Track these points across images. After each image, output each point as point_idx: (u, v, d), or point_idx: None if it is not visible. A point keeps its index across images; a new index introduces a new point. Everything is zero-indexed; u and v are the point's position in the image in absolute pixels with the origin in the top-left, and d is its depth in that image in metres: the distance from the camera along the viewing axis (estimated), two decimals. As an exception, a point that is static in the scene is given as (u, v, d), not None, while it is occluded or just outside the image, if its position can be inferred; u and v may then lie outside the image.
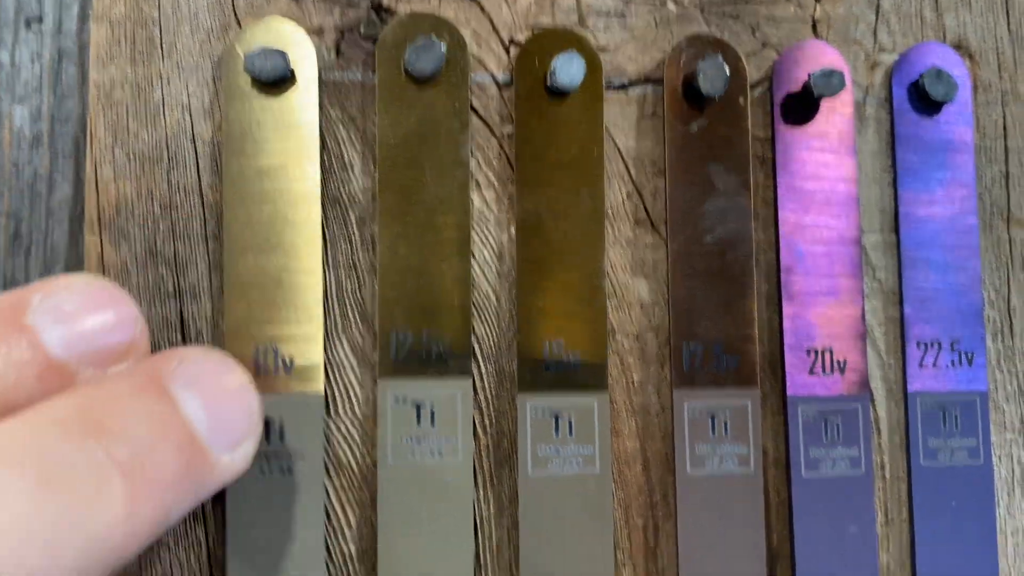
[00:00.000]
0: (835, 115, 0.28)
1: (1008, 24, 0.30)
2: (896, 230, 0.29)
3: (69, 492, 0.17)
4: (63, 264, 0.30)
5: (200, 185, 0.26)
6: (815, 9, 0.29)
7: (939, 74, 0.28)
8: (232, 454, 0.21)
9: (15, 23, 0.30)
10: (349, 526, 0.26)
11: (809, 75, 0.27)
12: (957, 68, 0.29)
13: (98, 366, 0.20)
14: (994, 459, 0.28)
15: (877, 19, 0.29)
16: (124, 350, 0.21)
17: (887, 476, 0.28)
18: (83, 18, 0.30)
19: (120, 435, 0.18)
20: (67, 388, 0.20)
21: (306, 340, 0.26)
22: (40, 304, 0.20)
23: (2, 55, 0.30)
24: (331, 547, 0.26)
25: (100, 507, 0.17)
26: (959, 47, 0.29)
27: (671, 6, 0.28)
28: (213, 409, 0.20)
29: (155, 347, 0.26)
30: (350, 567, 0.26)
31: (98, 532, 0.17)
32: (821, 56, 0.28)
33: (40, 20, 0.30)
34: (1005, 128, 0.30)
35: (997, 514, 0.28)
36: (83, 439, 0.18)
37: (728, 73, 0.27)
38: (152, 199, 0.26)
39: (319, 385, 0.26)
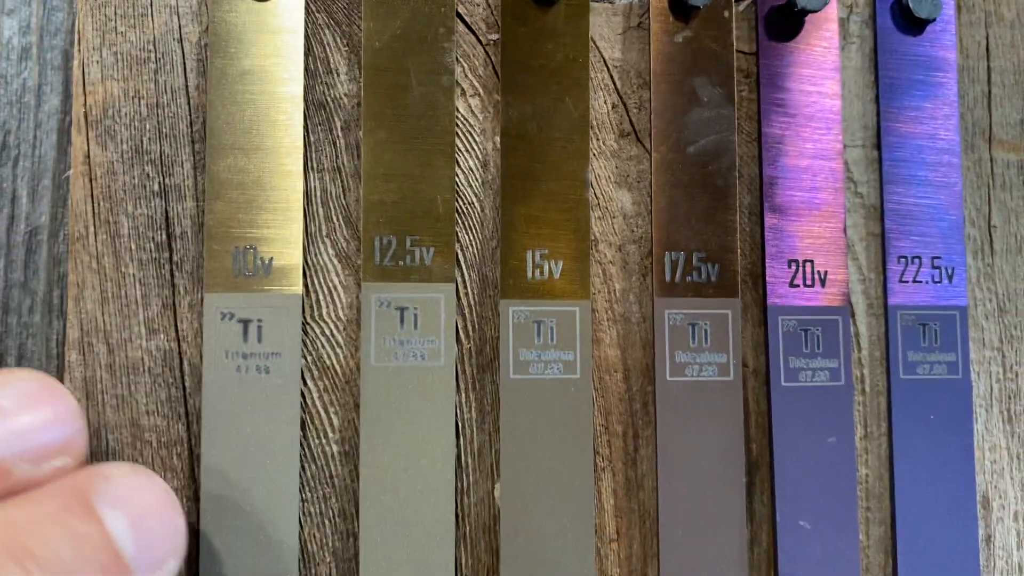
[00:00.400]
0: (819, 31, 0.28)
1: (993, -53, 0.30)
2: (878, 146, 0.29)
3: None
4: (51, 174, 0.30)
5: (187, 86, 0.26)
6: (801, -74, 0.29)
7: (923, -8, 0.28)
8: (155, 573, 0.21)
9: (5, -65, 0.31)
10: (332, 427, 0.26)
11: (793, -12, 0.27)
12: (942, -12, 0.29)
13: (34, 462, 0.20)
14: (973, 375, 0.29)
15: (863, -62, 0.29)
16: (60, 447, 0.21)
17: (867, 389, 0.28)
18: (73, -70, 0.30)
19: (45, 559, 0.18)
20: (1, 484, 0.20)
21: (285, 242, 0.26)
22: None
23: (-9, -33, 0.30)
24: (313, 447, 0.26)
25: None
26: (944, -32, 0.30)
27: (658, -80, 0.28)
28: (139, 528, 0.20)
29: (141, 245, 0.26)
30: (332, 467, 0.26)
31: None
32: (806, -29, 0.28)
33: (30, -68, 0.30)
34: (988, 49, 0.30)
35: (975, 430, 0.28)
36: (6, 564, 0.18)
37: (713, -16, 0.27)
38: (139, 99, 0.26)
39: (297, 286, 0.26)
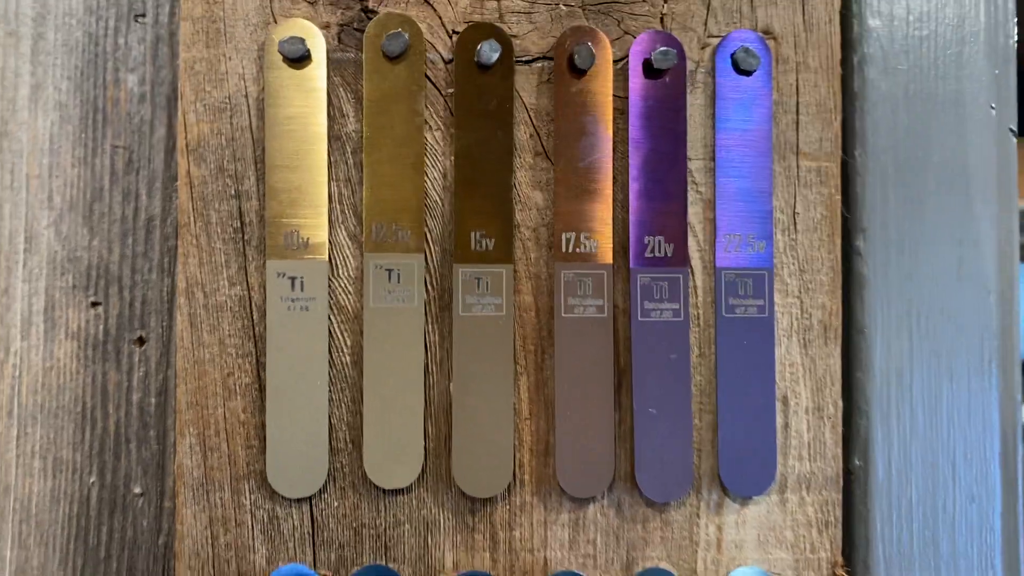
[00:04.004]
0: (672, 81, 0.41)
1: (803, 15, 0.42)
2: (714, 159, 0.42)
3: None
4: (160, 180, 0.45)
5: (251, 126, 0.41)
6: (663, 7, 0.42)
7: (747, 51, 0.41)
8: None
9: (128, 17, 0.45)
10: (346, 345, 0.41)
11: (651, 53, 0.40)
12: (763, 47, 0.42)
13: None
14: (777, 315, 0.42)
15: (708, 13, 0.42)
16: None
17: (701, 324, 0.42)
18: (172, 14, 0.45)
19: None
20: None
21: (316, 227, 0.41)
22: None
23: (119, 39, 0.45)
24: (335, 358, 0.41)
25: None
26: (767, 32, 0.42)
27: (563, 7, 0.41)
28: None
29: (224, 229, 0.41)
30: (346, 371, 0.41)
31: None
32: (662, 41, 0.41)
33: (144, 15, 0.45)
34: (797, 89, 0.42)
35: (776, 353, 0.42)
36: None
37: (595, 54, 0.40)
38: (221, 134, 0.41)
39: (324, 256, 0.41)
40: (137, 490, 0.44)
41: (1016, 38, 0.47)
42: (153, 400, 0.44)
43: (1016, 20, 0.47)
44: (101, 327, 0.44)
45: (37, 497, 0.44)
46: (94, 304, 0.44)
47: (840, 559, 0.42)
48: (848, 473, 0.44)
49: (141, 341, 0.44)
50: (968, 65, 0.46)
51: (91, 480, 0.44)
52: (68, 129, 0.45)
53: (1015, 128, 0.47)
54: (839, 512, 0.42)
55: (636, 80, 0.41)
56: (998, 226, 0.46)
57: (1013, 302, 0.46)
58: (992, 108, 0.46)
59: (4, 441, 0.44)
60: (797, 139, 0.43)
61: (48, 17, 0.45)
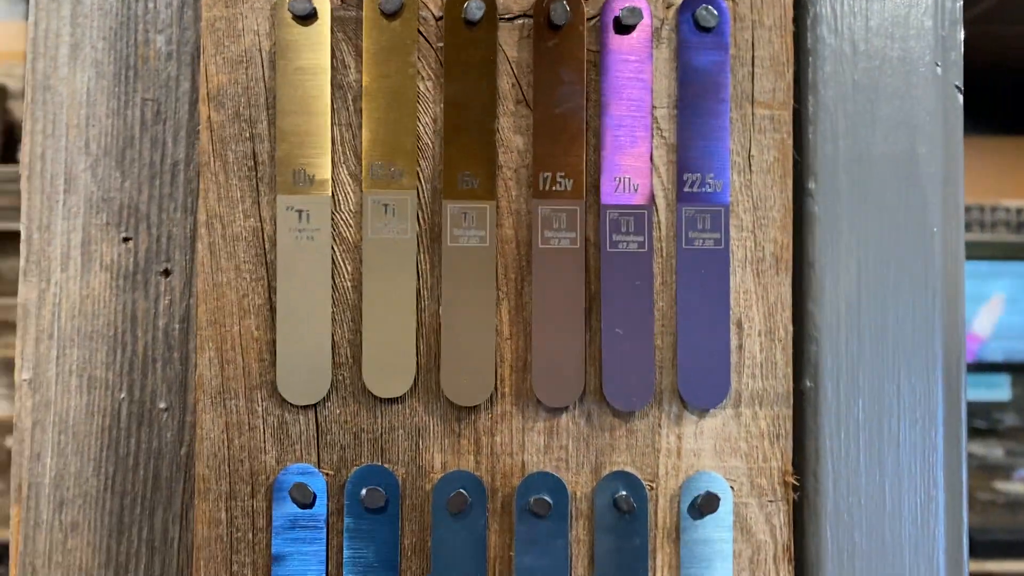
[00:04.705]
0: (639, 35, 0.46)
1: (759, -22, 0.47)
2: (676, 107, 0.47)
3: None
4: (185, 129, 0.50)
5: (264, 76, 0.46)
6: (631, -30, 0.47)
7: (707, 9, 0.46)
8: None
9: (155, -17, 0.50)
10: (347, 271, 0.46)
11: (620, 11, 0.45)
12: (721, 6, 0.47)
13: None
14: (733, 247, 0.47)
15: (672, -24, 0.47)
16: None
17: (663, 255, 0.47)
18: (195, -20, 0.50)
19: None
20: None
21: (321, 166, 0.46)
22: None
23: (148, 3, 0.50)
24: (337, 283, 0.46)
25: None
26: (726, -7, 0.47)
27: (540, -30, 0.46)
28: None
29: (239, 167, 0.46)
30: (347, 294, 0.46)
31: None
32: (630, 0, 0.46)
33: (170, -19, 0.50)
34: (752, 44, 0.47)
35: (732, 281, 0.47)
36: None
37: (570, 11, 0.45)
38: (238, 84, 0.46)
39: (328, 191, 0.46)
40: (162, 405, 0.50)
41: (961, 2, 0.51)
42: (177, 326, 0.50)
43: (962, -14, 0.51)
44: (131, 260, 0.50)
45: (74, 411, 0.50)
46: (125, 239, 0.50)
47: (790, 468, 0.47)
48: (800, 394, 0.48)
49: (167, 273, 0.50)
50: (915, 26, 0.50)
51: (121, 396, 0.50)
52: (103, 84, 0.50)
53: (960, 85, 0.51)
54: (789, 426, 0.47)
55: (607, 35, 0.46)
56: (944, 172, 0.50)
57: (957, 241, 0.50)
58: (938, 66, 0.50)
59: (45, 361, 0.50)
60: (752, 89, 0.47)
61: (86, -16, 0.50)
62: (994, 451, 2.38)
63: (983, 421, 2.40)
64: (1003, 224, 2.51)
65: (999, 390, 2.45)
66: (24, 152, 0.51)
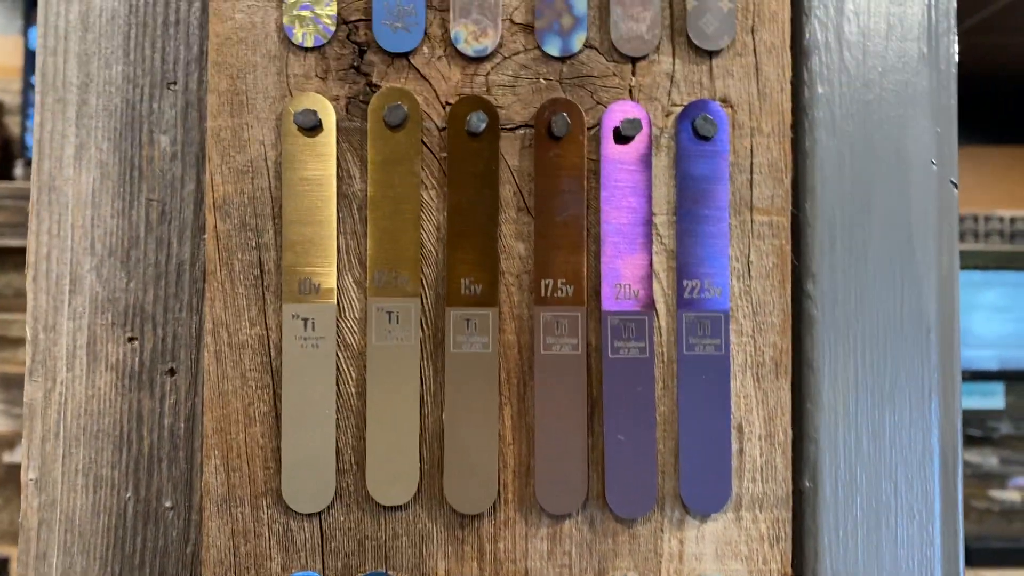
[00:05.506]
0: (639, 145, 0.47)
1: (758, 85, 0.48)
2: (676, 214, 0.47)
3: None
4: (189, 229, 0.51)
5: (271, 187, 0.47)
6: (631, 80, 0.47)
7: (706, 119, 0.47)
8: None
9: (161, 85, 0.51)
10: (352, 378, 0.47)
11: (620, 122, 0.46)
12: (720, 115, 0.47)
13: None
14: (733, 352, 0.47)
15: (671, 85, 0.48)
16: None
17: (664, 360, 0.47)
18: (201, 82, 0.51)
19: None
20: None
21: (326, 274, 0.46)
22: None
23: (153, 104, 0.51)
24: (342, 390, 0.46)
25: None
26: (724, 101, 0.48)
27: (542, 81, 0.47)
28: None
29: (246, 276, 0.47)
30: (352, 402, 0.47)
31: None
32: (629, 111, 0.47)
33: (175, 83, 0.51)
34: (751, 151, 0.48)
35: (734, 385, 0.47)
36: None
37: (570, 122, 0.46)
38: (244, 193, 0.47)
39: (333, 300, 0.46)
40: (168, 504, 0.50)
41: (956, 99, 0.52)
42: (182, 425, 0.50)
43: (956, 84, 0.52)
44: (137, 360, 0.50)
45: (80, 510, 0.50)
46: (130, 339, 0.50)
47: (790, 571, 0.47)
48: (799, 493, 0.49)
49: (172, 372, 0.50)
50: (911, 126, 0.51)
51: (127, 495, 0.50)
52: (108, 184, 0.51)
53: (955, 180, 0.52)
54: (789, 528, 0.47)
55: (607, 145, 0.47)
56: (938, 269, 0.51)
57: (952, 340, 0.51)
58: (933, 164, 0.51)
59: (51, 460, 0.50)
60: (751, 196, 0.48)
61: (91, 85, 0.51)
62: (989, 459, 2.39)
63: (977, 430, 2.41)
64: (997, 233, 2.52)
65: (994, 398, 2.46)
66: (30, 252, 0.51)
